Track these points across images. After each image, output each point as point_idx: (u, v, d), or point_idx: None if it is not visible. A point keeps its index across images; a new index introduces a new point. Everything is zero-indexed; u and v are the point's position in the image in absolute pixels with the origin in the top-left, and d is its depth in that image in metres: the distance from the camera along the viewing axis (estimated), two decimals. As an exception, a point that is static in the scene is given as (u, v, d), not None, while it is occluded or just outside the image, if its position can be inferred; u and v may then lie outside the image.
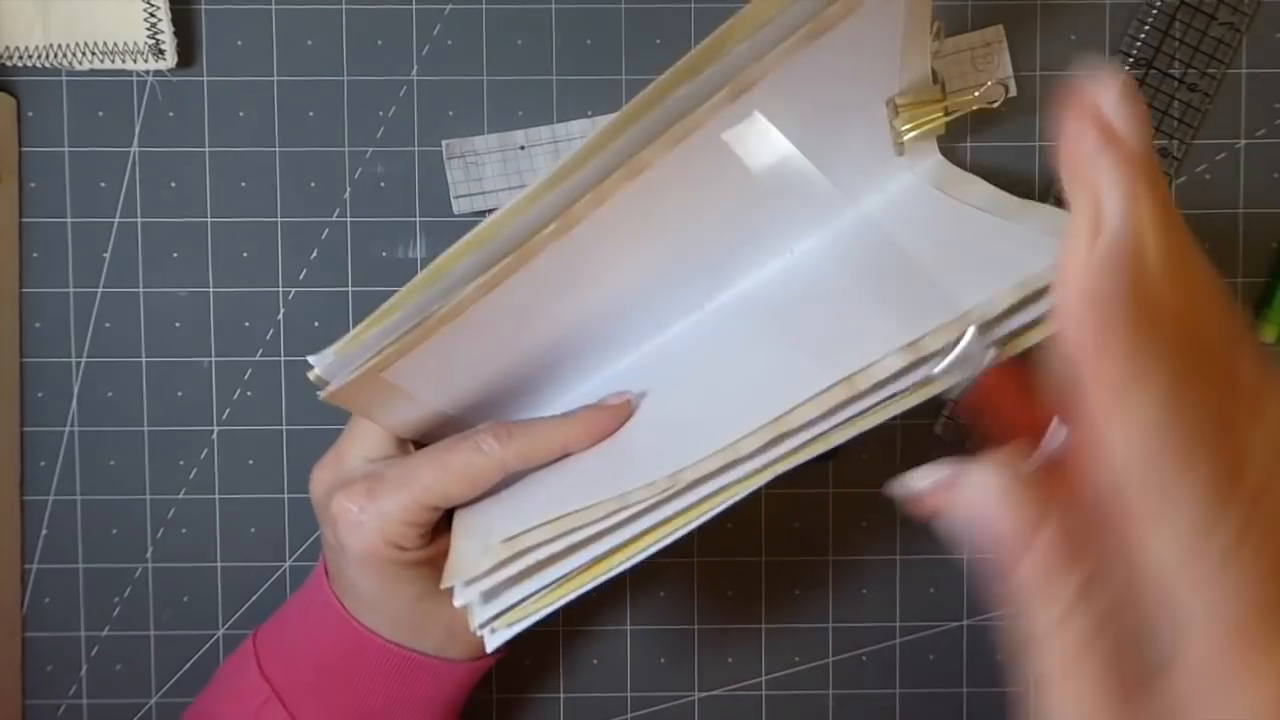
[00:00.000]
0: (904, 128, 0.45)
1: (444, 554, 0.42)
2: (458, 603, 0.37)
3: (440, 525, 0.42)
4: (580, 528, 0.36)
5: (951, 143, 0.48)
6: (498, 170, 0.50)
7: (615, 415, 0.41)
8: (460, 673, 0.44)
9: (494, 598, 0.37)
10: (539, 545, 0.36)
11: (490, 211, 0.50)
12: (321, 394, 0.38)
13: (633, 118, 0.36)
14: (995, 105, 0.49)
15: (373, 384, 0.39)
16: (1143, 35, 0.50)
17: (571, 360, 0.45)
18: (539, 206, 0.36)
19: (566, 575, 0.37)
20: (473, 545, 0.38)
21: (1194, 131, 0.50)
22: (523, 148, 0.50)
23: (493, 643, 0.38)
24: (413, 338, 0.37)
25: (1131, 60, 0.50)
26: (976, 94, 0.48)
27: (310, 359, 0.38)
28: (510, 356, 0.42)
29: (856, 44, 0.40)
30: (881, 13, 0.41)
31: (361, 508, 0.40)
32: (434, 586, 0.42)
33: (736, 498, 0.36)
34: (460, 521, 0.41)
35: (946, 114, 0.46)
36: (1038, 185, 0.51)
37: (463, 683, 0.45)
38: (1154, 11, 0.50)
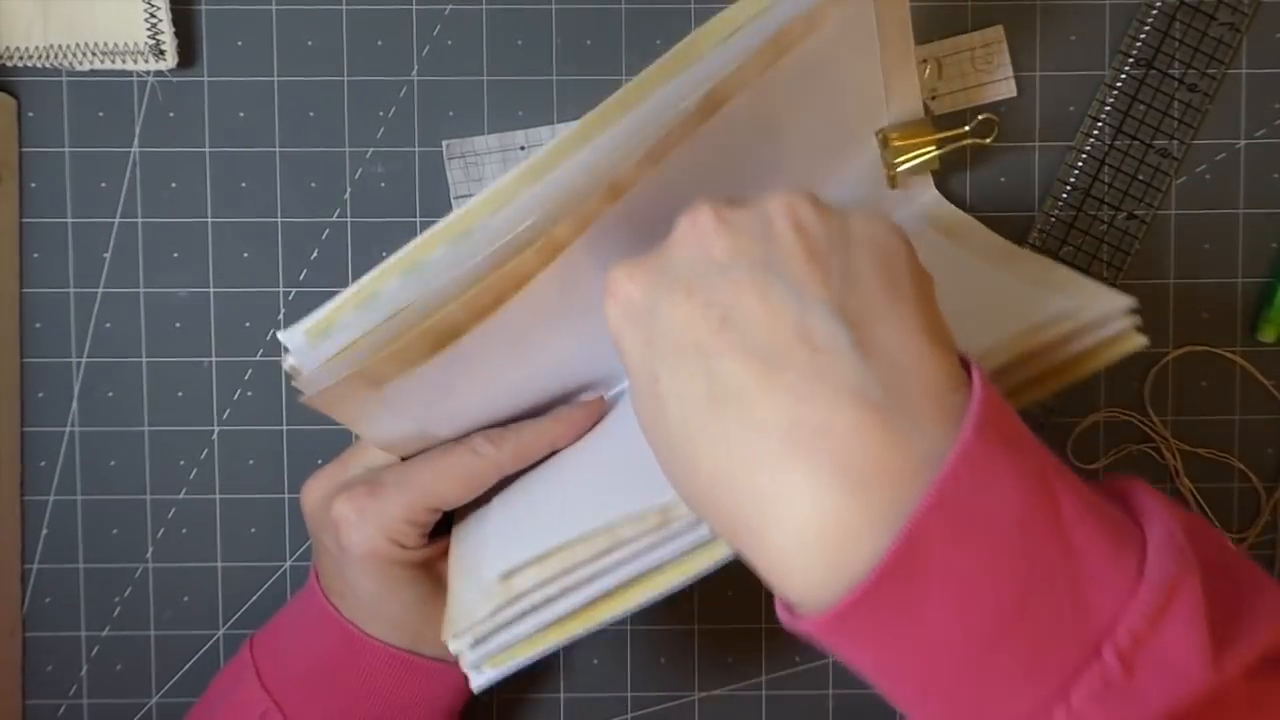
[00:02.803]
0: (896, 160, 0.45)
1: (443, 555, 0.43)
2: (452, 649, 0.38)
3: (439, 528, 0.43)
4: (573, 568, 0.36)
5: (953, 143, 0.48)
6: (498, 170, 0.50)
7: (591, 412, 0.44)
8: (459, 676, 0.44)
9: (485, 641, 0.38)
10: (534, 589, 0.37)
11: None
12: (301, 398, 0.38)
13: (604, 121, 0.36)
14: (988, 142, 0.48)
15: (362, 399, 0.39)
16: (1143, 35, 0.50)
17: (560, 385, 0.44)
18: (514, 206, 0.36)
19: (560, 618, 0.37)
20: (469, 589, 0.39)
21: (1194, 131, 0.50)
22: (523, 148, 0.50)
23: (479, 682, 0.38)
24: (398, 349, 0.37)
25: (1131, 60, 0.50)
26: (968, 128, 0.47)
27: (280, 336, 0.37)
28: (502, 380, 0.42)
29: (834, 69, 0.40)
30: (855, 38, 0.40)
31: (363, 507, 0.41)
32: (433, 590, 0.43)
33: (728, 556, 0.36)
34: (457, 550, 0.42)
35: (939, 147, 0.46)
36: (1037, 185, 0.51)
37: (462, 686, 0.45)
38: (1154, 11, 0.50)
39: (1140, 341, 0.38)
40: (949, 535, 0.27)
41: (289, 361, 0.37)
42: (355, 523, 0.41)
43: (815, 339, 0.29)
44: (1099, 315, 0.38)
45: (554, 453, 0.44)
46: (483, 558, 0.39)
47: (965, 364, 0.30)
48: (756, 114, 0.38)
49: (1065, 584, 0.27)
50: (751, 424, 0.29)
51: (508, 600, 0.37)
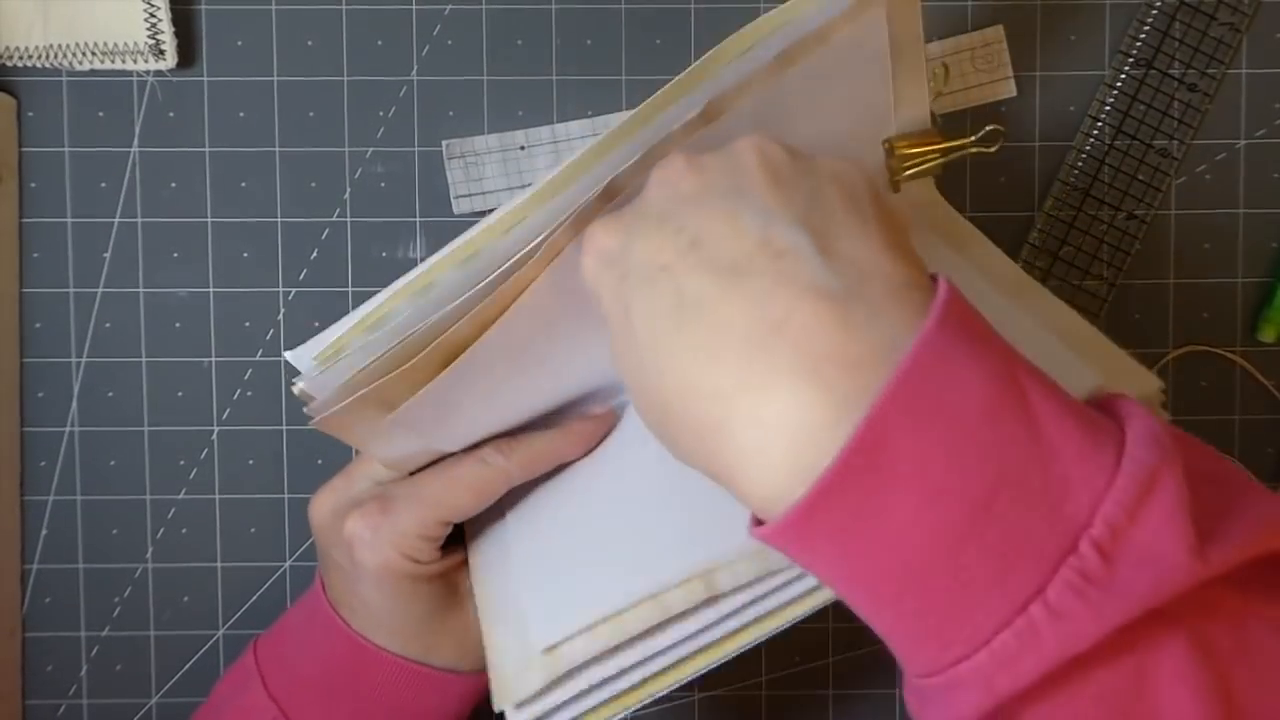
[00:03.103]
0: (901, 167, 0.45)
1: (455, 568, 0.43)
2: (500, 709, 0.38)
3: (449, 538, 0.43)
4: (624, 644, 0.37)
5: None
6: (498, 170, 0.50)
7: (600, 424, 0.43)
8: (468, 685, 0.44)
9: (532, 705, 0.38)
10: (584, 664, 0.37)
11: (489, 213, 0.50)
12: (311, 422, 0.38)
13: (620, 138, 0.36)
14: (993, 150, 0.48)
15: (372, 422, 0.39)
16: (1143, 35, 0.50)
17: (564, 394, 0.44)
18: (525, 224, 0.36)
19: (615, 696, 0.38)
20: (508, 641, 0.39)
21: (1194, 131, 0.50)
22: (523, 148, 0.50)
23: None
24: (408, 369, 0.37)
25: (1131, 60, 0.50)
26: (973, 139, 0.47)
27: (289, 356, 0.37)
28: (507, 390, 0.42)
29: (844, 79, 0.40)
30: (867, 50, 0.40)
31: (376, 525, 0.41)
32: (445, 600, 0.43)
33: (786, 621, 0.37)
34: (481, 578, 0.42)
35: (944, 156, 0.45)
36: (1037, 185, 0.51)
37: (470, 694, 0.45)
38: (1154, 11, 0.50)
39: (1164, 419, 0.39)
40: (912, 424, 0.26)
41: (299, 386, 0.38)
42: (369, 540, 0.41)
43: (777, 245, 0.29)
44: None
45: (564, 465, 0.44)
46: (521, 611, 0.40)
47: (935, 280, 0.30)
48: (760, 119, 0.38)
49: (1038, 478, 0.26)
50: (714, 328, 0.29)
51: (558, 675, 0.37)
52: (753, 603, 0.37)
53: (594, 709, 0.38)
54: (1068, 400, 0.28)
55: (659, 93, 0.35)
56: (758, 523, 0.30)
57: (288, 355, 0.37)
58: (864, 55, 0.41)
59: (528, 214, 0.36)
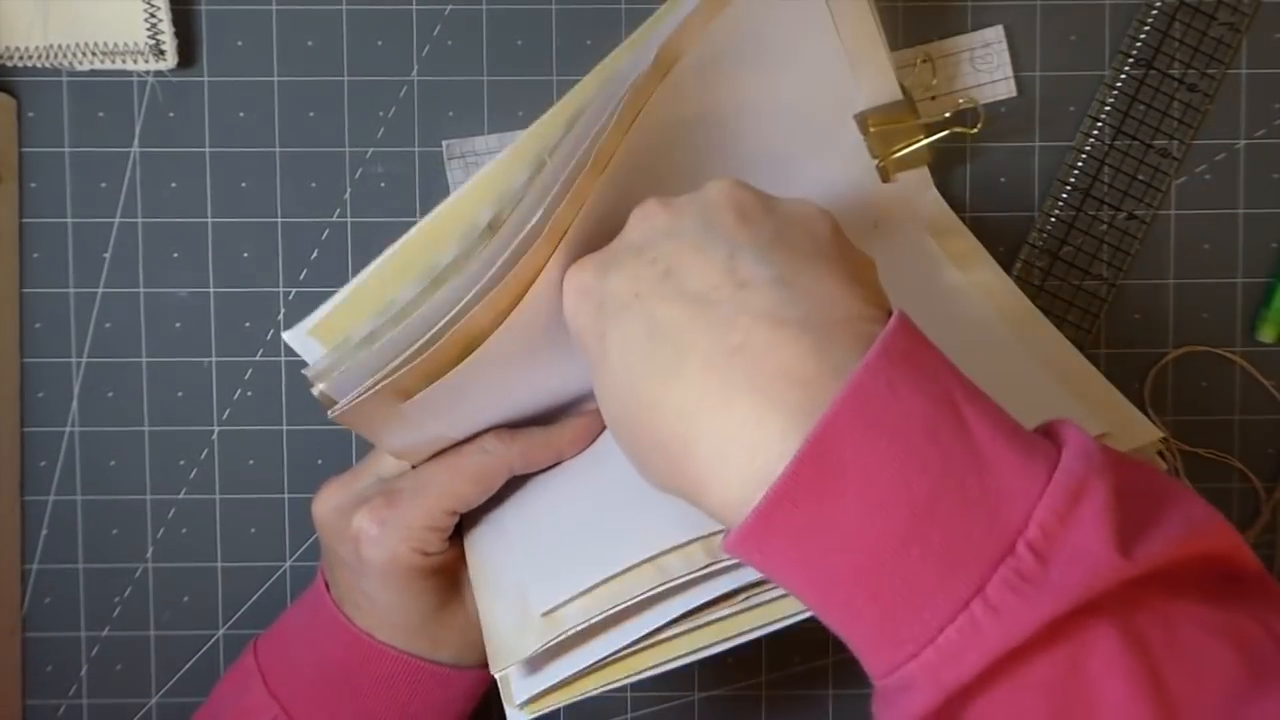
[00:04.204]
0: (886, 152, 0.45)
1: (458, 563, 0.43)
2: (498, 675, 0.38)
3: (451, 537, 0.43)
4: (622, 603, 0.36)
5: (952, 143, 0.48)
6: (498, 170, 0.50)
7: (597, 421, 0.44)
8: (471, 680, 0.44)
9: (534, 671, 0.38)
10: (581, 622, 0.37)
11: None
12: (331, 412, 0.38)
13: (577, 101, 0.37)
14: (975, 130, 0.48)
15: (386, 410, 0.39)
16: (1143, 35, 0.50)
17: (567, 391, 0.44)
18: (534, 191, 0.37)
19: (606, 659, 0.37)
20: (505, 613, 0.39)
21: (1194, 131, 0.50)
22: (523, 148, 0.50)
23: (515, 718, 0.39)
24: (426, 363, 0.37)
25: (1131, 60, 0.50)
26: (948, 115, 0.47)
27: (287, 337, 0.37)
28: (516, 381, 0.42)
29: (785, 26, 0.40)
30: (799, 7, 0.41)
31: (384, 519, 0.41)
32: (450, 595, 0.43)
33: (785, 619, 0.37)
34: (478, 563, 0.42)
35: (927, 135, 0.45)
36: (1037, 185, 0.51)
37: (474, 690, 0.45)
38: (1154, 11, 0.50)
39: (1160, 467, 0.40)
40: (858, 436, 0.29)
41: (319, 388, 0.38)
42: (377, 535, 0.41)
43: (740, 276, 0.32)
44: (1129, 448, 0.39)
45: (560, 462, 0.44)
46: (519, 582, 0.39)
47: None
48: (710, 75, 0.39)
49: (976, 488, 0.28)
50: (680, 351, 0.32)
51: (555, 635, 0.37)
52: (755, 584, 0.37)
53: (591, 670, 0.37)
54: (1006, 421, 0.30)
55: (606, 60, 0.38)
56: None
57: (285, 336, 0.38)
58: (797, 13, 0.41)
59: (510, 176, 0.37)
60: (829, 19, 0.42)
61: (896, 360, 0.30)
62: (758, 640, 0.52)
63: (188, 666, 0.52)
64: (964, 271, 0.46)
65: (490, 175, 0.38)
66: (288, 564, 0.52)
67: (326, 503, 0.43)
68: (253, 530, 0.52)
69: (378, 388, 0.37)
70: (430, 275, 0.38)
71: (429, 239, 0.41)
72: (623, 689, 0.52)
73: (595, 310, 0.35)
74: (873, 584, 0.29)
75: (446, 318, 0.37)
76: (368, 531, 0.41)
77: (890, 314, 0.32)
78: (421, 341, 0.37)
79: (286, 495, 0.51)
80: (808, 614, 0.36)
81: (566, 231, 0.37)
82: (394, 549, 0.41)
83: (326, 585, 0.44)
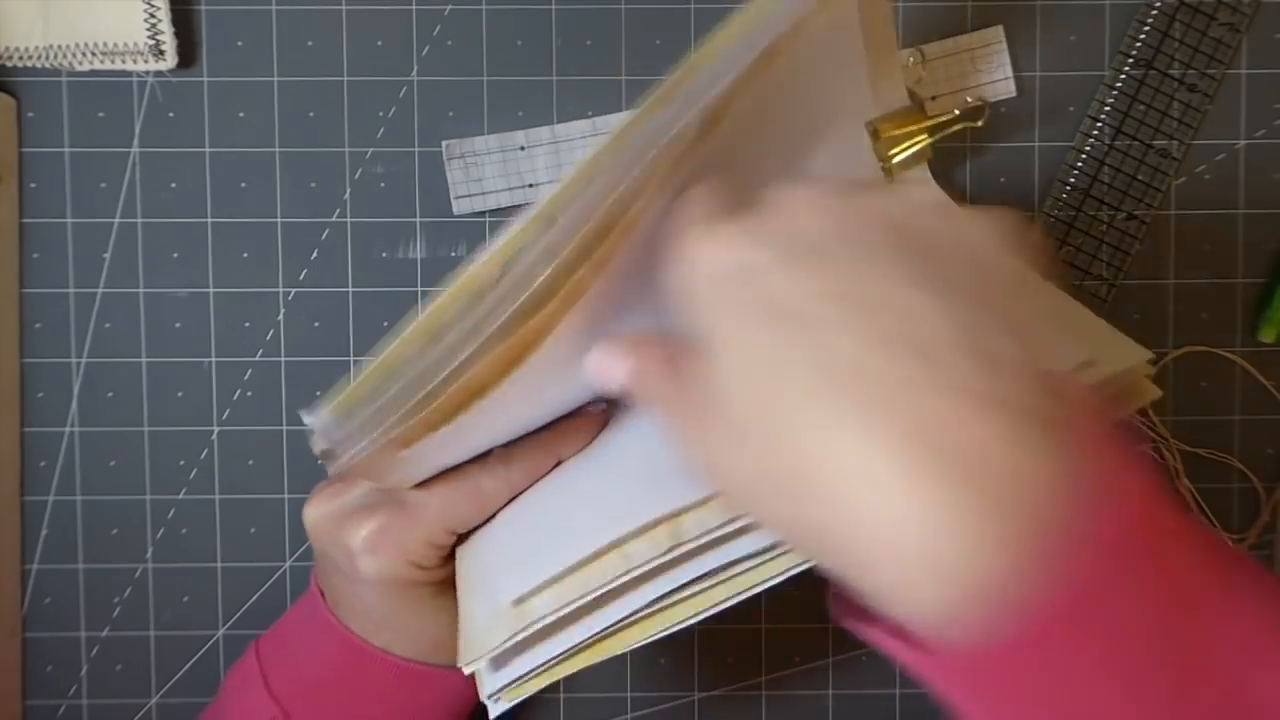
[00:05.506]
0: (890, 152, 0.45)
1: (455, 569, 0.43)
2: (467, 670, 0.38)
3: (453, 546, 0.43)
4: (589, 592, 0.36)
5: (953, 143, 0.48)
6: (498, 171, 0.50)
7: (595, 422, 0.44)
8: (467, 682, 0.44)
9: (503, 665, 0.38)
10: (550, 613, 0.36)
11: (491, 213, 0.50)
12: (331, 467, 0.37)
13: (607, 157, 0.35)
14: (979, 124, 0.48)
15: (388, 460, 0.38)
16: (1143, 35, 0.50)
17: (566, 408, 0.44)
18: (532, 253, 0.35)
19: (578, 645, 0.37)
20: (479, 608, 0.38)
21: (1194, 132, 0.50)
22: (523, 148, 0.50)
23: (496, 710, 0.38)
24: (429, 415, 0.37)
25: (1131, 60, 0.50)
26: (957, 112, 0.47)
27: (306, 418, 0.37)
28: (518, 416, 0.41)
29: (822, 65, 0.40)
30: (840, 38, 0.40)
31: (385, 533, 0.41)
32: (446, 603, 0.43)
33: (757, 586, 0.36)
34: (463, 565, 0.42)
35: (930, 135, 0.45)
36: (1037, 185, 0.51)
37: (470, 692, 0.45)
38: (1154, 12, 0.50)
39: (1154, 393, 0.39)
40: (1117, 582, 0.24)
41: (319, 446, 0.36)
42: (375, 551, 0.41)
43: (982, 347, 0.26)
44: (1118, 370, 0.38)
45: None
46: (492, 576, 0.39)
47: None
48: (748, 124, 0.38)
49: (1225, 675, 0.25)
50: (866, 406, 0.26)
51: (523, 626, 0.36)
52: (721, 553, 0.36)
53: (564, 658, 0.37)
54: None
55: (638, 110, 0.34)
56: (852, 611, 0.28)
57: (304, 416, 0.36)
58: (837, 43, 0.41)
59: (524, 244, 0.35)
60: (861, 49, 0.41)
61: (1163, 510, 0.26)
62: (758, 640, 0.52)
63: (187, 667, 0.52)
64: None
65: (510, 241, 0.36)
66: (287, 564, 0.52)
67: (317, 509, 0.42)
68: (252, 530, 0.52)
69: (376, 448, 0.37)
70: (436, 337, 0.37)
71: (444, 310, 0.40)
72: (623, 689, 0.52)
73: (744, 302, 0.29)
74: None
75: (446, 371, 0.36)
76: (367, 545, 0.41)
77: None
78: (420, 397, 0.36)
79: (286, 495, 0.51)
80: (781, 578, 0.35)
81: (585, 293, 0.35)
82: (392, 565, 0.41)
83: (323, 593, 0.44)
